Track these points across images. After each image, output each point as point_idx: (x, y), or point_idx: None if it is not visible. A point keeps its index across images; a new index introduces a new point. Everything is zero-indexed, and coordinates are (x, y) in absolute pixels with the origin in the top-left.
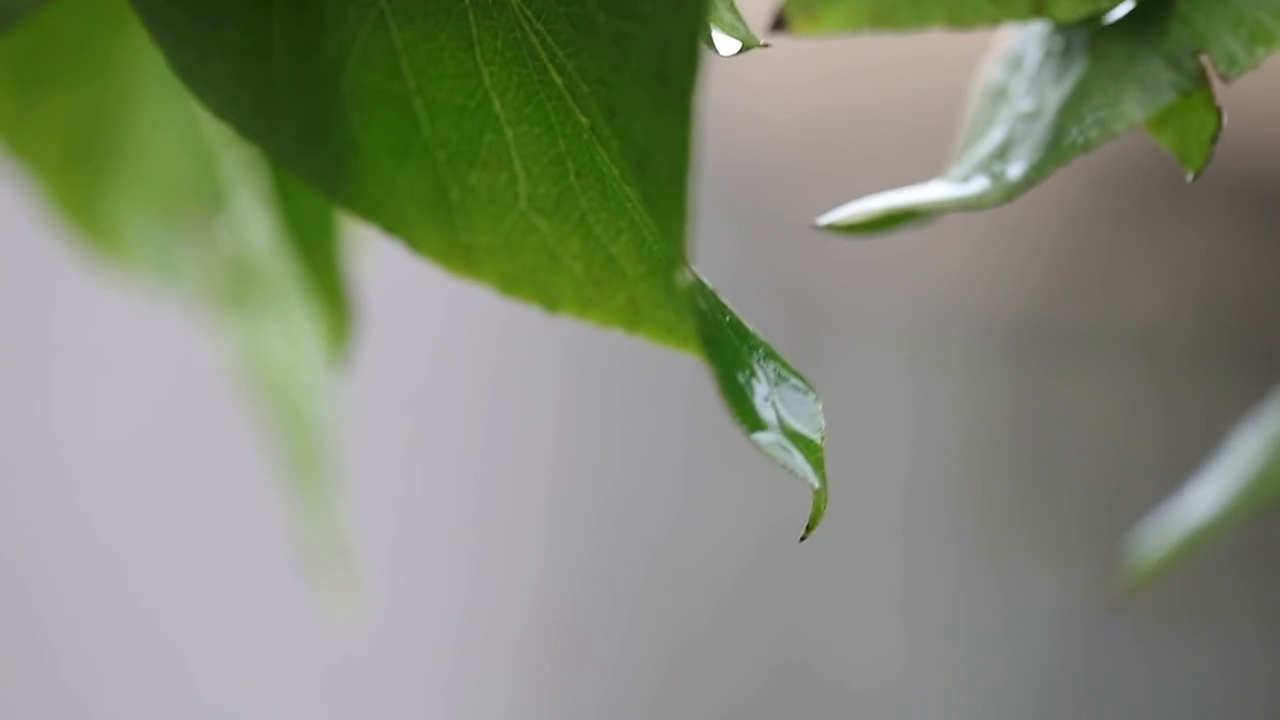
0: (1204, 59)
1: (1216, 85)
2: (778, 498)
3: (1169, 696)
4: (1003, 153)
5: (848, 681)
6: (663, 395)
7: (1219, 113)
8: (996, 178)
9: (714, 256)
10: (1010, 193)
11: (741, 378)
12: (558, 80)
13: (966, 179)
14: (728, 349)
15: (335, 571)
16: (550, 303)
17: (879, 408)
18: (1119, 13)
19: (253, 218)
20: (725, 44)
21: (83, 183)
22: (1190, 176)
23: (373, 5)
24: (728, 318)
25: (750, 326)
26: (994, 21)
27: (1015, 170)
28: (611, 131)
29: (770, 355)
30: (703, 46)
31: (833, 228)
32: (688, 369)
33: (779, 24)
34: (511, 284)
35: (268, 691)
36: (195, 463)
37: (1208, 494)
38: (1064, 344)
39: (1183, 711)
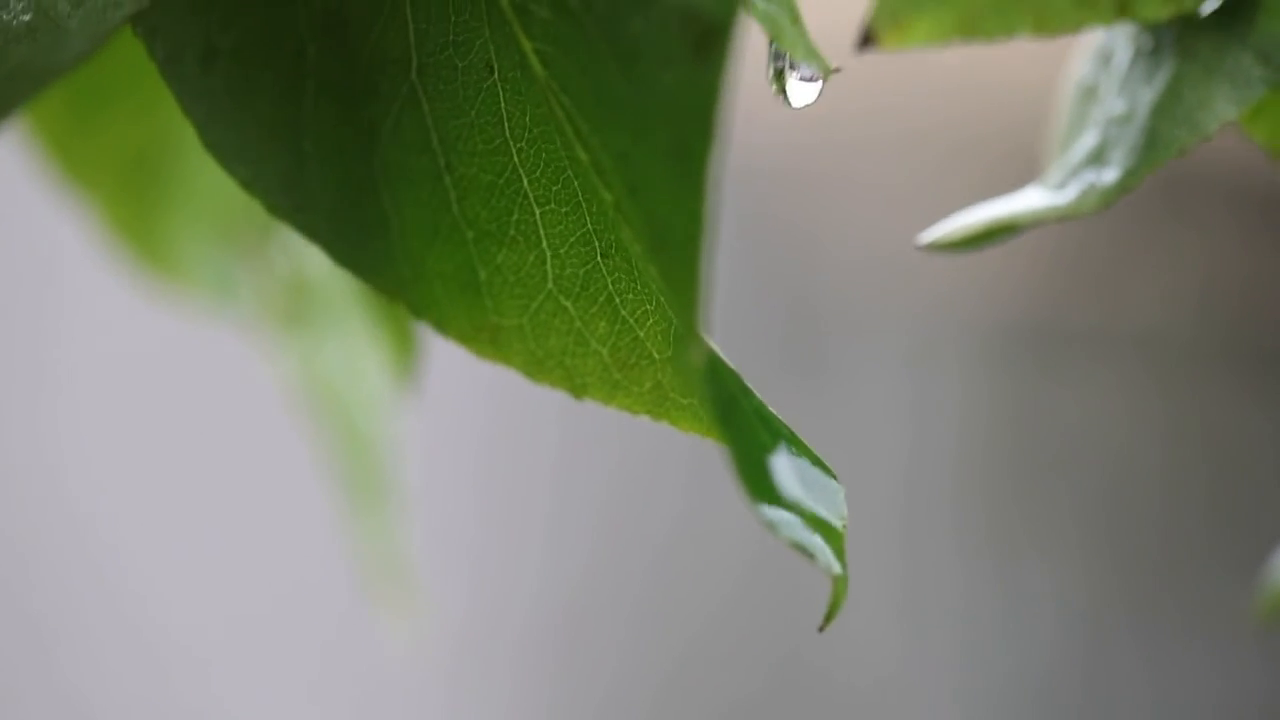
0: None
1: None
2: None
3: (1165, 693)
4: (1097, 157)
5: (848, 680)
6: None
7: None
8: (1092, 184)
9: (714, 257)
10: (1107, 199)
11: (760, 458)
12: (583, 156)
13: (1062, 185)
14: (745, 429)
15: (393, 588)
16: (577, 388)
17: (879, 408)
18: (1207, 9)
19: None
20: (800, 92)
21: (140, 208)
22: None
23: (405, 80)
24: (752, 400)
25: (772, 412)
26: (1080, 26)
27: (1110, 176)
28: (633, 208)
29: (793, 440)
30: (719, 119)
31: (934, 246)
32: None
33: (867, 39)
34: (538, 368)
35: (267, 689)
36: (201, 460)
37: None
38: (1063, 345)
39: (1179, 708)
